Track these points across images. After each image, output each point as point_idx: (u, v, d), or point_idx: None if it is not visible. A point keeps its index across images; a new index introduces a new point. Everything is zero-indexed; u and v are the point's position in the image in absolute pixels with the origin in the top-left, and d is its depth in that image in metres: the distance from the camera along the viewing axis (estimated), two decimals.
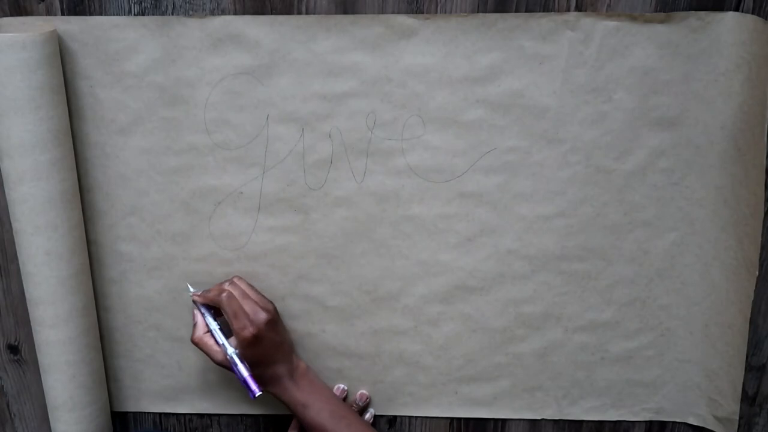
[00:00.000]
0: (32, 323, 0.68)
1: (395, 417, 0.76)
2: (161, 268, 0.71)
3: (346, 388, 0.75)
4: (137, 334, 0.74)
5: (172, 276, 0.71)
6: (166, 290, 0.72)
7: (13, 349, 0.75)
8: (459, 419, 0.76)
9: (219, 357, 0.68)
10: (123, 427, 0.78)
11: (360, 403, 0.75)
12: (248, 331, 0.65)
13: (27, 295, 0.67)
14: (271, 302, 0.69)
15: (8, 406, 0.77)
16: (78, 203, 0.67)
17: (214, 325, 0.68)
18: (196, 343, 0.68)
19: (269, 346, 0.67)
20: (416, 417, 0.76)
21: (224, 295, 0.66)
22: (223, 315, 0.68)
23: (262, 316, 0.66)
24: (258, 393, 0.66)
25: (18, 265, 0.67)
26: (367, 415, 0.75)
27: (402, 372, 0.74)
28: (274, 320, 0.68)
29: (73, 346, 0.68)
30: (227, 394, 0.76)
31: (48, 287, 0.66)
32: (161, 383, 0.76)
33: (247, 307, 0.66)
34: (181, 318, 0.73)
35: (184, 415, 0.77)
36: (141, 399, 0.77)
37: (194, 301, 0.69)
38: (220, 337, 0.68)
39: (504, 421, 0.76)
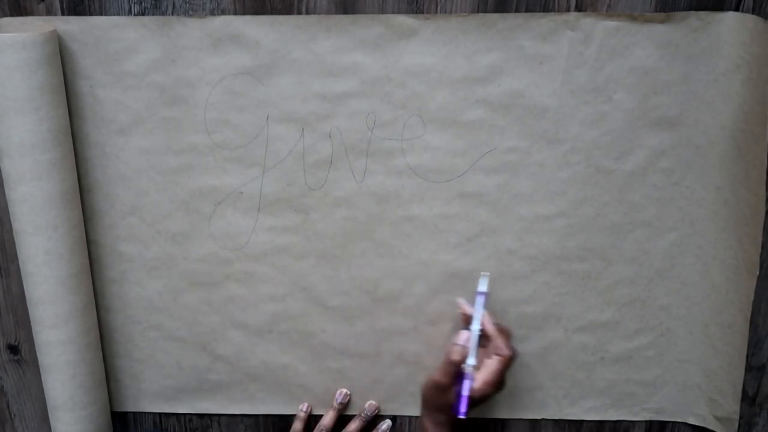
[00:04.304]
0: (32, 323, 0.68)
1: (395, 417, 0.76)
2: (161, 268, 0.71)
3: (349, 392, 0.75)
4: (137, 334, 0.74)
5: (172, 276, 0.71)
6: (166, 290, 0.72)
7: (13, 349, 0.75)
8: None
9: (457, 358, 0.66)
10: (123, 427, 0.78)
11: (369, 413, 0.74)
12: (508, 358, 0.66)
13: (27, 295, 0.67)
14: None
15: (8, 406, 0.77)
16: (78, 203, 0.67)
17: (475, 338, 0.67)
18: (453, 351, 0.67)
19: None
20: (416, 417, 0.76)
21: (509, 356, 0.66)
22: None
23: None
24: (464, 416, 0.65)
25: (18, 265, 0.67)
26: (384, 426, 0.75)
27: (402, 372, 0.74)
28: None
29: (73, 346, 0.68)
30: (227, 394, 0.76)
31: (48, 287, 0.66)
32: (161, 383, 0.76)
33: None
34: (181, 318, 0.73)
35: (184, 415, 0.77)
36: (141, 399, 0.76)
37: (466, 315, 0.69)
38: (474, 348, 0.66)
39: (504, 421, 0.76)
